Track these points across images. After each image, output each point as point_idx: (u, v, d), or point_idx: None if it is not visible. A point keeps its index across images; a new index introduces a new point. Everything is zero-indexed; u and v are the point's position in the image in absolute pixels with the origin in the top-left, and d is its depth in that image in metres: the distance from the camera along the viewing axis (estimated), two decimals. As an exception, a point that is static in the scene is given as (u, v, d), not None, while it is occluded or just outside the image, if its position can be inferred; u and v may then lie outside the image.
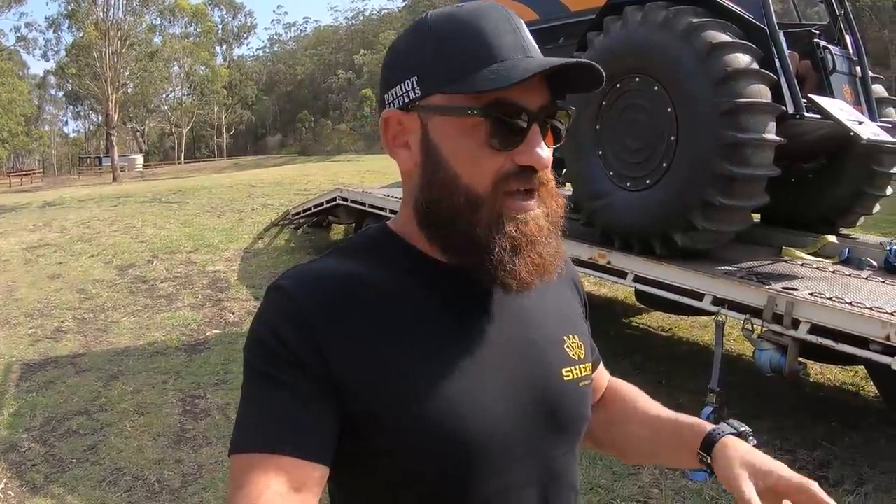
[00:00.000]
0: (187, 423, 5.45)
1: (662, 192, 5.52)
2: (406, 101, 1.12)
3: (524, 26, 1.13)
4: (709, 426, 1.29)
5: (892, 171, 6.60)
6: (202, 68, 67.78)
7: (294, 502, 0.97)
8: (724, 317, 5.10)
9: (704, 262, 5.49)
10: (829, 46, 6.25)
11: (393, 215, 5.39)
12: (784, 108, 5.27)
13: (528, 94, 1.07)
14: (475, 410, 1.08)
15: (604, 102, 5.93)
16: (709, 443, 1.25)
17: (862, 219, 6.92)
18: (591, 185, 6.12)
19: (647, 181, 5.65)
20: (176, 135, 67.72)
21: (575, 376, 1.21)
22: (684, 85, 5.26)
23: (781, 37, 5.56)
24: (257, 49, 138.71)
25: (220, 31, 76.71)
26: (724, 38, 5.21)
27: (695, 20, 5.27)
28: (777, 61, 5.41)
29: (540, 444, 1.15)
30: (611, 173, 5.98)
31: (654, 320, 8.18)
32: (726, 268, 5.37)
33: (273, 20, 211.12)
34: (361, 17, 77.83)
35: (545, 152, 1.09)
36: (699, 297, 5.28)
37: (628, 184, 5.83)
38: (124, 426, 5.34)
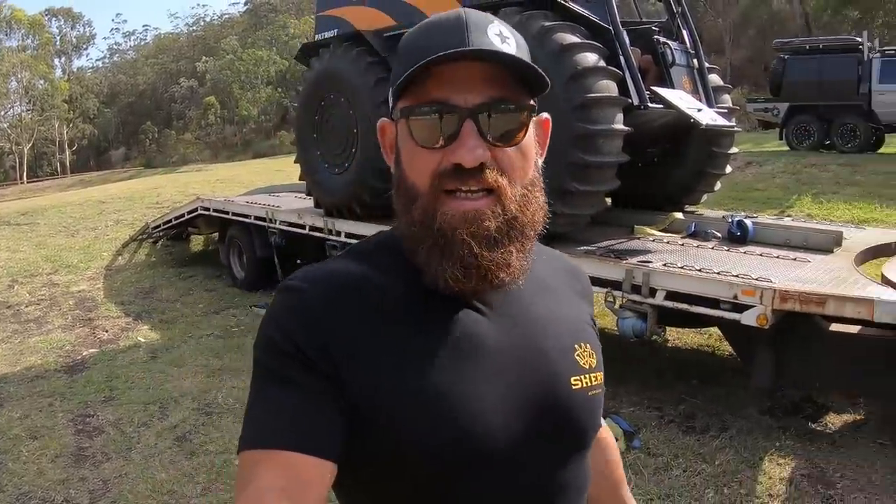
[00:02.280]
0: (83, 442, 5.39)
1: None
2: (390, 108, 1.17)
3: (485, 25, 1.09)
4: None
5: (729, 151, 7.32)
6: (41, 82, 64.74)
7: (301, 498, 0.98)
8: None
9: (565, 244, 5.89)
10: (669, 42, 6.85)
11: (259, 222, 5.62)
12: (630, 101, 5.79)
13: (465, 93, 1.06)
14: (476, 415, 1.08)
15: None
16: None
17: (705, 196, 7.60)
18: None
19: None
20: (16, 153, 64.50)
21: (584, 385, 1.20)
22: (539, 83, 5.60)
23: (625, 35, 6.10)
24: (97, 60, 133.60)
25: (58, 43, 73.52)
26: (574, 39, 5.66)
27: (546, 24, 5.69)
28: (622, 58, 5.94)
29: (545, 452, 1.14)
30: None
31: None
32: (586, 248, 5.82)
33: (112, 29, 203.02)
34: (202, 23, 76.02)
35: (475, 149, 1.06)
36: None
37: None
38: (20, 451, 5.23)
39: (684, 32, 7.24)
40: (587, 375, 1.20)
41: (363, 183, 7.30)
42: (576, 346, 1.22)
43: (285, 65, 55.10)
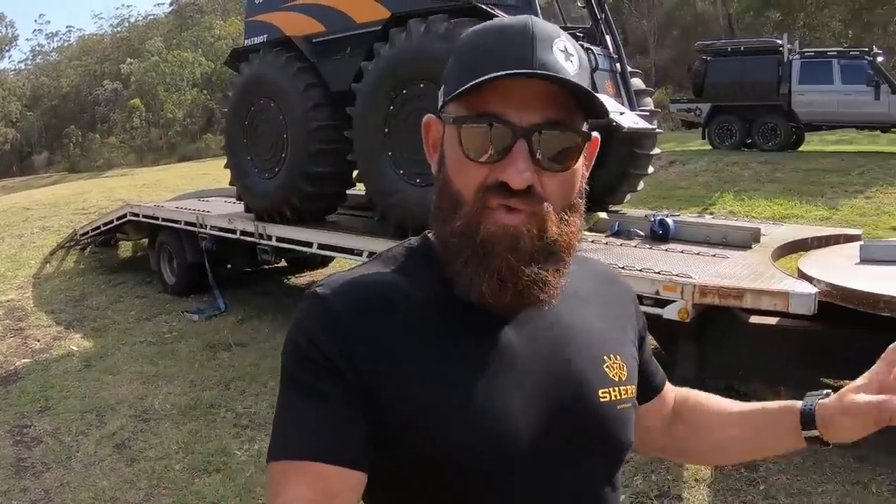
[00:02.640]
0: (22, 453, 5.37)
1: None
2: (438, 107, 1.14)
3: (551, 40, 1.06)
4: (798, 404, 1.28)
5: (651, 152, 7.62)
6: (-37, 86, 63.08)
7: None
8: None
9: None
10: (592, 47, 7.07)
11: (189, 227, 5.64)
12: None
13: (521, 110, 1.04)
14: (502, 423, 1.07)
15: (392, 108, 6.39)
16: (808, 417, 1.25)
17: (629, 196, 7.89)
18: (382, 183, 6.57)
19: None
20: (-63, 159, 62.64)
21: (613, 398, 1.18)
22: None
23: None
24: (20, 62, 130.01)
25: (-21, 45, 71.75)
26: (500, 45, 5.75)
27: (473, 32, 5.77)
28: None
29: (571, 466, 1.13)
30: (401, 172, 6.44)
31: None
32: None
33: (35, 30, 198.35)
34: (127, 24, 74.49)
35: (524, 171, 1.04)
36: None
37: (418, 180, 6.32)
38: (-42, 465, 5.20)
39: (607, 38, 7.52)
40: (616, 388, 1.18)
41: (293, 187, 7.39)
42: (605, 357, 1.20)
43: (211, 66, 54.26)
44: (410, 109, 6.28)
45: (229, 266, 9.72)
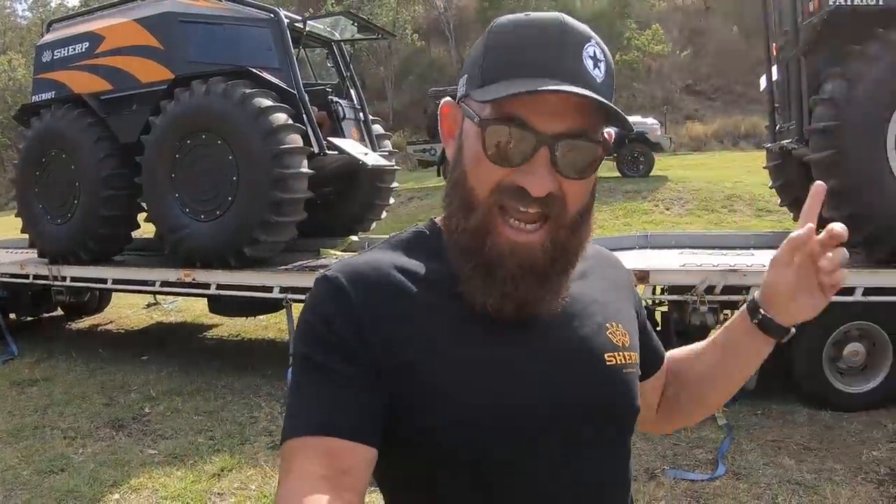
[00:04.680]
0: None
1: (231, 219, 7.35)
2: (458, 94, 1.15)
3: (582, 45, 1.07)
4: (742, 307, 1.30)
5: (391, 185, 9.45)
6: None
7: (342, 484, 0.98)
8: (289, 302, 6.96)
9: (267, 266, 7.51)
10: (340, 101, 8.80)
11: None
12: (312, 149, 7.49)
13: (546, 117, 1.03)
14: (512, 394, 1.08)
15: (177, 155, 7.58)
16: (752, 305, 1.27)
17: (374, 224, 9.66)
18: (171, 221, 7.69)
19: (218, 212, 7.44)
20: None
21: (619, 362, 1.19)
22: (242, 139, 7.19)
23: (306, 97, 7.78)
24: None
25: None
26: (268, 102, 7.22)
27: (247, 91, 7.21)
28: (304, 116, 7.63)
29: (584, 431, 1.14)
30: (187, 210, 7.61)
31: (226, 330, 9.97)
32: (284, 267, 7.43)
33: None
34: None
35: (545, 179, 1.04)
36: (269, 289, 7.18)
37: (202, 216, 7.54)
38: None
39: (352, 92, 9.27)
40: (620, 353, 1.20)
41: (88, 230, 8.31)
42: (608, 325, 1.22)
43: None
44: (194, 157, 7.53)
45: (13, 315, 10.11)
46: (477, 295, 1.09)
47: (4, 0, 62.63)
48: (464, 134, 1.13)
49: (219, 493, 5.00)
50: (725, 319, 6.03)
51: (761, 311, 1.25)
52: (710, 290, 5.74)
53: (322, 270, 1.17)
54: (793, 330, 1.26)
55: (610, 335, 1.22)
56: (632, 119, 19.67)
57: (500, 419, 1.07)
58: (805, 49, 6.49)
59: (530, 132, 1.03)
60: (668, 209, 15.81)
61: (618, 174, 19.47)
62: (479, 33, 1.16)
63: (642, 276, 5.82)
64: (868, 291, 5.56)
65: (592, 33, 1.09)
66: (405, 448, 1.09)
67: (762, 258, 6.55)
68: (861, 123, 5.64)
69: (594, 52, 1.07)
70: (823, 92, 5.91)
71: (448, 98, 1.20)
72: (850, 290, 5.54)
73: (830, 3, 5.85)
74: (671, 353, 1.51)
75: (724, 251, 7.26)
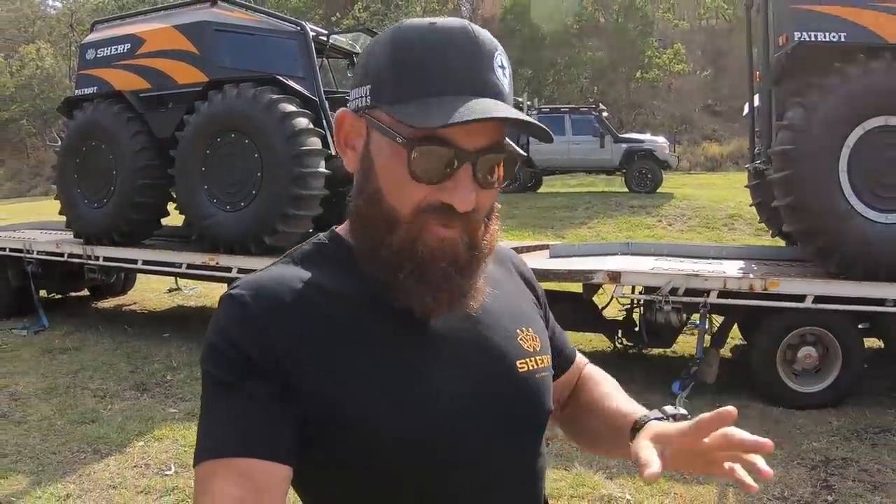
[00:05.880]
0: None
1: (254, 210, 8.18)
2: (359, 105, 1.11)
3: (493, 55, 1.07)
4: (640, 414, 1.25)
5: None
6: None
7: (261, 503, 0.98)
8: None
9: (282, 253, 8.24)
10: None
11: (14, 253, 9.46)
12: (330, 151, 8.28)
13: (467, 134, 1.03)
14: (427, 406, 1.08)
15: (208, 151, 8.41)
16: (635, 430, 1.21)
17: None
18: (200, 210, 8.52)
19: (242, 204, 8.28)
20: None
21: (530, 368, 1.20)
22: (267, 139, 8.01)
23: (327, 104, 8.62)
24: None
25: None
26: (292, 108, 8.05)
27: (273, 96, 8.03)
28: (324, 121, 8.46)
29: (501, 438, 1.15)
30: (215, 201, 8.43)
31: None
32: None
33: None
34: None
35: (470, 195, 1.05)
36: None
37: (228, 207, 8.36)
38: None
39: None
40: (532, 358, 1.21)
41: (122, 215, 9.17)
42: (518, 330, 1.23)
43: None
44: (223, 153, 8.37)
45: (43, 292, 10.77)
46: (413, 299, 1.09)
47: (34, -10, 63.53)
48: (373, 148, 1.11)
49: (231, 445, 5.64)
50: (688, 320, 6.74)
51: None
52: (674, 291, 6.41)
53: (228, 289, 1.13)
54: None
55: (521, 341, 1.23)
56: (641, 137, 20.69)
57: (417, 438, 1.07)
58: (774, 79, 7.17)
59: (455, 149, 1.04)
60: (670, 225, 16.42)
61: (625, 189, 20.19)
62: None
63: (615, 276, 6.53)
64: (818, 299, 6.16)
65: (495, 39, 1.10)
66: (324, 466, 1.10)
67: (729, 266, 7.28)
68: (816, 147, 6.24)
69: (501, 61, 1.09)
70: (785, 119, 6.50)
71: (344, 108, 1.17)
72: (801, 298, 6.19)
73: (796, 37, 6.43)
74: (596, 381, 1.48)
75: (697, 259, 7.93)
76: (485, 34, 1.08)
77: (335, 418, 1.05)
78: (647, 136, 21.63)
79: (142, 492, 4.96)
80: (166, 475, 5.20)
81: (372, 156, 1.11)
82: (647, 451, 1.06)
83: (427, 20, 1.08)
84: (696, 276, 6.46)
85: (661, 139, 21.69)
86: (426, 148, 1.03)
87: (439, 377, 1.11)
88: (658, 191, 19.72)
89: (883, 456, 5.40)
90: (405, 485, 1.09)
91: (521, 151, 1.14)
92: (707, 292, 6.36)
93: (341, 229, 1.24)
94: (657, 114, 36.75)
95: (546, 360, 1.26)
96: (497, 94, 1.06)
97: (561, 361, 1.43)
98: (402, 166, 1.05)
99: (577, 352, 1.52)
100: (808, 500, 4.78)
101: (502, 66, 1.09)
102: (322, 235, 1.25)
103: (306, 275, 1.14)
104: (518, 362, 1.19)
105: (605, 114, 21.93)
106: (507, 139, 1.10)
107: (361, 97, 1.11)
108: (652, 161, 20.16)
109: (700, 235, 15.34)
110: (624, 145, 20.60)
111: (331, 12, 41.32)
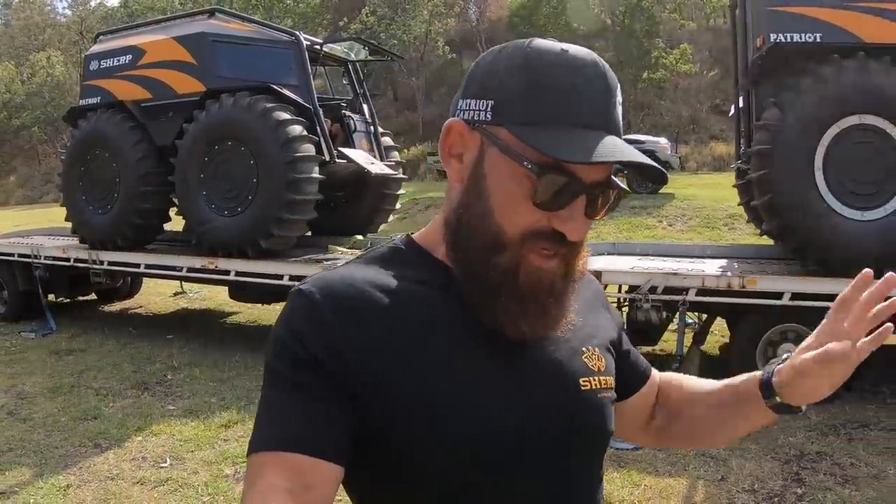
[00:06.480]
0: None
1: (250, 215, 8.45)
2: (475, 118, 1.09)
3: (615, 90, 1.09)
4: (759, 374, 1.26)
5: (397, 192, 10.49)
6: None
7: (306, 499, 0.98)
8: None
9: (281, 257, 8.63)
10: (353, 115, 9.88)
11: (23, 258, 9.93)
12: (324, 158, 8.56)
13: (590, 168, 1.04)
14: (487, 418, 1.07)
15: (206, 158, 8.68)
16: (767, 386, 1.22)
17: (382, 226, 10.67)
18: (199, 215, 8.80)
19: (239, 209, 8.56)
20: None
21: (593, 387, 1.19)
22: (262, 146, 8.28)
23: (321, 112, 8.87)
24: None
25: None
26: (286, 116, 8.30)
27: (268, 105, 8.30)
28: (318, 128, 8.72)
29: (559, 454, 1.14)
30: (213, 206, 8.70)
31: (244, 316, 10.99)
32: (294, 259, 8.57)
33: None
34: None
35: (583, 225, 1.07)
36: (280, 277, 8.27)
37: (226, 212, 8.64)
38: None
39: (364, 107, 10.34)
40: (596, 378, 1.20)
41: (126, 220, 9.48)
42: (584, 349, 1.22)
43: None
44: (220, 160, 8.66)
45: (51, 296, 11.06)
46: (508, 323, 1.08)
47: (45, -2, 64.25)
48: (487, 165, 1.09)
49: (224, 440, 5.99)
50: (668, 319, 6.90)
51: (777, 397, 1.22)
52: (653, 289, 6.59)
53: (297, 284, 1.13)
54: (804, 408, 1.24)
55: (585, 359, 1.21)
56: (643, 138, 20.77)
57: (479, 444, 1.06)
58: (753, 80, 7.34)
59: (576, 181, 1.04)
60: (670, 225, 16.58)
61: (627, 189, 20.15)
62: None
63: (596, 276, 6.69)
64: (796, 296, 6.28)
65: (614, 76, 1.11)
66: (379, 469, 1.09)
67: (710, 265, 7.46)
68: (791, 147, 6.35)
69: (620, 98, 1.10)
70: (762, 119, 6.64)
71: (455, 118, 1.12)
72: (778, 295, 6.33)
73: (772, 39, 6.54)
74: (680, 380, 1.50)
75: (679, 259, 8.10)
76: (609, 69, 1.09)
77: (387, 420, 1.05)
78: (648, 137, 21.66)
79: (137, 483, 5.22)
80: (161, 468, 5.47)
81: (485, 172, 1.09)
82: (818, 351, 1.11)
83: (558, 45, 1.08)
84: (675, 274, 6.64)
85: (662, 140, 21.78)
86: (553, 177, 1.03)
87: (508, 385, 1.11)
88: (660, 191, 19.75)
89: (858, 450, 5.48)
90: (458, 494, 1.08)
91: (625, 187, 1.14)
92: (686, 290, 6.52)
93: (418, 236, 1.24)
94: (665, 114, 36.71)
95: (609, 381, 1.25)
96: (618, 132, 1.08)
97: (638, 375, 1.44)
98: (520, 189, 1.05)
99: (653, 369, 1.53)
100: (778, 493, 4.89)
101: (621, 104, 1.10)
102: (397, 240, 1.24)
103: (376, 276, 1.13)
104: (581, 379, 1.18)
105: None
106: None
107: (480, 111, 1.09)
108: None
109: (700, 235, 15.42)
110: None
111: (338, 17, 41.57)
